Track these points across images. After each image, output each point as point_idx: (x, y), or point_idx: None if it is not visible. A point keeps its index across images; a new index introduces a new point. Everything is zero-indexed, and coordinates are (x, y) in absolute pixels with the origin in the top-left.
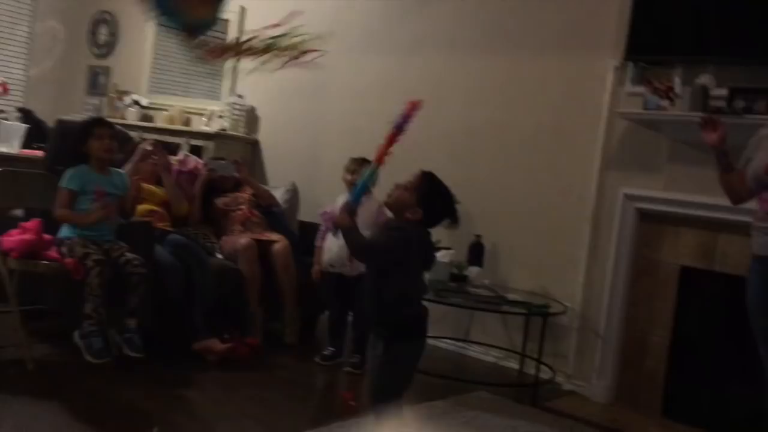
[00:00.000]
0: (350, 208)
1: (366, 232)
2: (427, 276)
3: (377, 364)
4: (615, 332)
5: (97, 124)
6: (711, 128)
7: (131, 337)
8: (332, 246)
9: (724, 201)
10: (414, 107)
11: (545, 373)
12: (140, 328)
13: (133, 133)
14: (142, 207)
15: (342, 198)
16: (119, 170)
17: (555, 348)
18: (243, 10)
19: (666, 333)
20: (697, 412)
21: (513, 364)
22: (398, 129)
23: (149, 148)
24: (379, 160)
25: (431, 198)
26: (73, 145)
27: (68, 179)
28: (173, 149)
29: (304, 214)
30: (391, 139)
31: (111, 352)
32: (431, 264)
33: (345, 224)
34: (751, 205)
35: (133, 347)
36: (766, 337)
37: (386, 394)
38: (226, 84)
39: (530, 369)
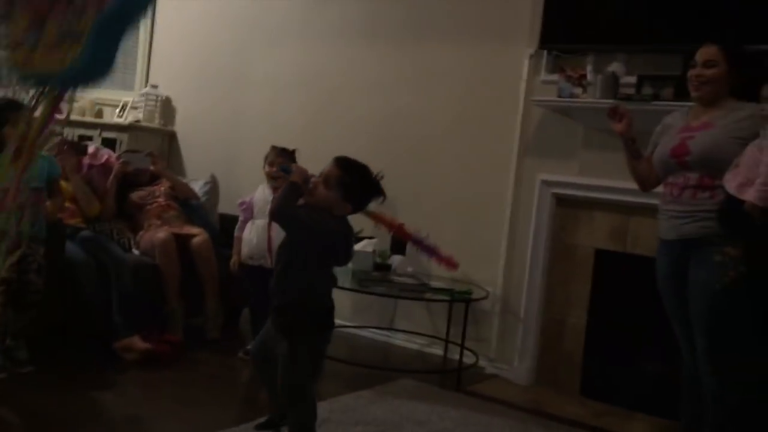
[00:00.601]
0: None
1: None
2: (349, 266)
3: (283, 359)
4: (535, 315)
5: (10, 107)
6: (617, 117)
7: (14, 354)
8: (252, 237)
9: (634, 185)
10: (450, 264)
11: (469, 358)
12: (23, 343)
13: None
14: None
15: (262, 188)
16: (41, 154)
17: (478, 333)
18: None
19: (583, 314)
20: (613, 390)
21: (437, 351)
22: (418, 245)
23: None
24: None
25: (354, 186)
26: None
27: None
28: (82, 148)
29: (224, 206)
30: (395, 230)
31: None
32: (346, 261)
33: (293, 178)
34: (662, 188)
35: (19, 363)
36: (675, 317)
37: (297, 391)
38: (139, 74)
39: (454, 355)
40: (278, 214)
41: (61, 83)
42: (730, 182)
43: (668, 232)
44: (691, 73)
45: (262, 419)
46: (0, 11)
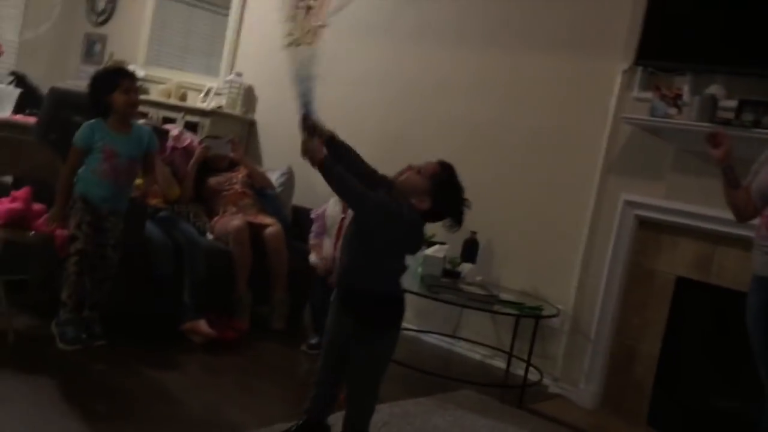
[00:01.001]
0: (309, 127)
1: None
2: (419, 270)
3: (355, 359)
4: (605, 338)
5: (123, 74)
6: (717, 143)
7: (90, 326)
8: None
9: (724, 213)
10: None
11: (533, 375)
12: (99, 317)
13: None
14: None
15: (334, 201)
16: (144, 126)
17: (543, 349)
18: None
19: (657, 342)
20: (682, 423)
21: (499, 363)
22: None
23: None
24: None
25: (445, 191)
26: (95, 96)
27: (78, 136)
28: (164, 133)
29: (299, 199)
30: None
31: (83, 338)
32: (415, 251)
33: (316, 158)
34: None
35: (93, 336)
36: (762, 356)
37: (374, 387)
38: (225, 61)
39: (517, 369)
40: (356, 202)
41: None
42: None
43: (763, 267)
44: None
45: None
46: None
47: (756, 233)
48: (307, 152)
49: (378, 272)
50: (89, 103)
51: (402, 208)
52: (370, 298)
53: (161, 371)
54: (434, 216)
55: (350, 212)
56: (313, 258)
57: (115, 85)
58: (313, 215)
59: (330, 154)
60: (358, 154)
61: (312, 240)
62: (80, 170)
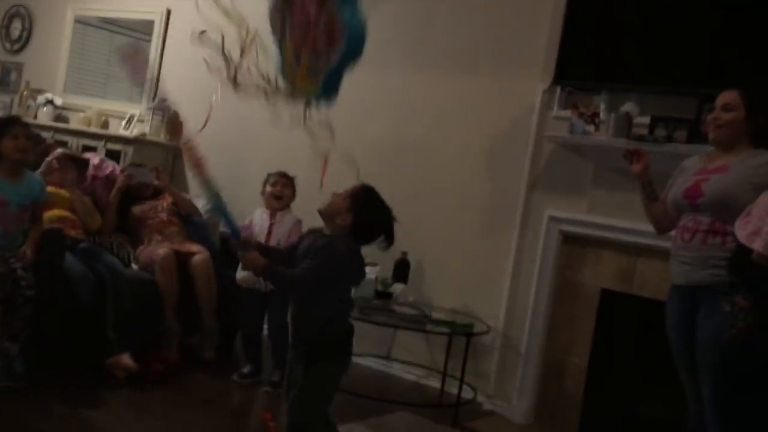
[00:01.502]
0: (241, 246)
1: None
2: (353, 291)
3: (296, 388)
4: (536, 353)
5: (10, 122)
6: (635, 159)
7: (10, 363)
8: None
9: (644, 226)
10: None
11: (467, 393)
12: (22, 353)
13: (46, 134)
14: (53, 213)
15: (260, 211)
16: (36, 176)
17: (477, 367)
18: (168, 12)
19: (585, 354)
20: (612, 431)
21: (434, 383)
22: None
23: (54, 164)
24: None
25: (365, 207)
26: None
27: None
28: (84, 162)
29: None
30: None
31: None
32: (360, 279)
33: (259, 267)
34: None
35: (15, 376)
36: (682, 364)
37: (305, 420)
38: (147, 87)
39: (452, 388)
40: (301, 293)
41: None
42: (741, 230)
43: (678, 277)
44: (710, 116)
45: None
46: (277, 36)
47: (672, 244)
48: (248, 266)
49: (320, 317)
50: None
51: (332, 246)
52: (311, 341)
53: (84, 409)
54: (363, 233)
55: (279, 217)
56: (239, 273)
57: (2, 133)
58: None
59: (264, 255)
60: (281, 249)
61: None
62: None
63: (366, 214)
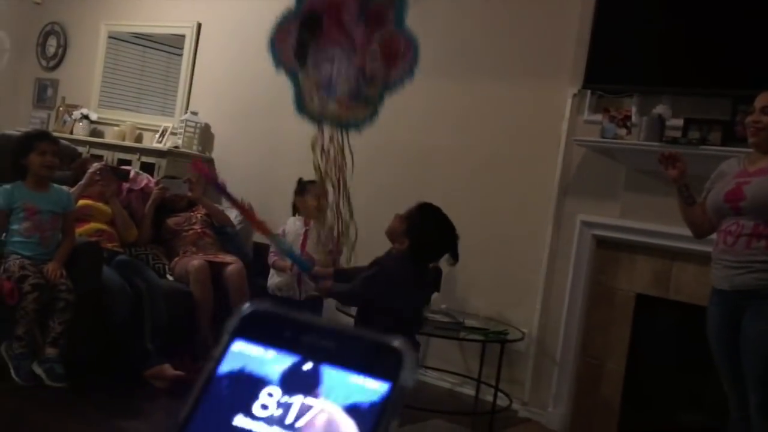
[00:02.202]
0: (312, 276)
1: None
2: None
3: None
4: (571, 359)
5: (39, 137)
6: (671, 163)
7: (51, 366)
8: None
9: (679, 229)
10: (198, 167)
11: (501, 400)
12: (62, 357)
13: (81, 149)
14: (90, 226)
15: (293, 220)
16: (62, 188)
17: (511, 374)
18: (199, 26)
19: (621, 360)
20: None
21: (469, 391)
22: (221, 191)
23: (97, 174)
24: (263, 230)
25: (421, 228)
26: (13, 157)
27: None
28: (124, 174)
29: (260, 236)
30: (245, 212)
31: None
32: (422, 297)
33: (331, 291)
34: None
35: (54, 377)
36: (724, 369)
37: None
38: (179, 100)
39: (486, 396)
40: (352, 304)
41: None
42: None
43: (722, 282)
44: (749, 119)
45: None
46: (291, 69)
47: (714, 248)
48: (322, 294)
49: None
50: (9, 166)
51: (380, 265)
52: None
53: (123, 420)
54: (424, 254)
55: (313, 226)
56: (271, 281)
57: (30, 148)
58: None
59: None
60: (356, 268)
61: (271, 258)
62: (4, 235)
63: (423, 235)
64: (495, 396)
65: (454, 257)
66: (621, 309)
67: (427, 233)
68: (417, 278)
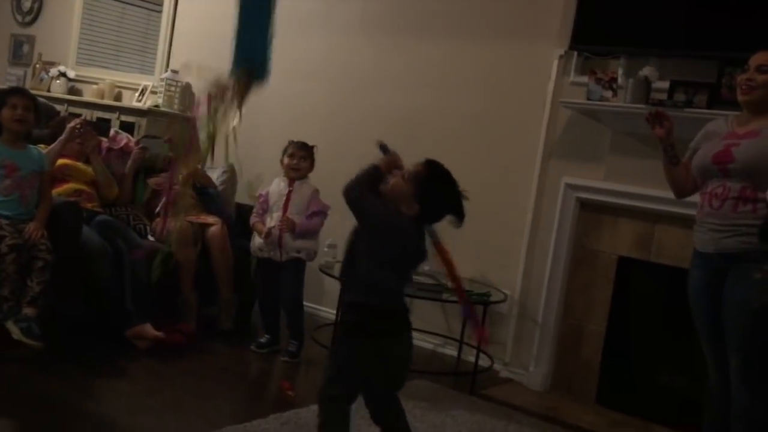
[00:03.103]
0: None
1: (298, 216)
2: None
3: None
4: (553, 320)
5: (11, 92)
6: (658, 122)
7: (29, 325)
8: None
9: (662, 192)
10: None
11: (483, 361)
12: (40, 316)
13: (59, 107)
14: (69, 186)
15: (278, 181)
16: (36, 147)
17: (493, 335)
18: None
19: (602, 322)
20: (630, 400)
21: (451, 351)
22: (464, 312)
23: (77, 129)
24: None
25: (432, 191)
26: None
27: None
28: (104, 129)
29: (242, 196)
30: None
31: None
32: (421, 261)
33: (379, 163)
34: (690, 197)
35: (32, 335)
36: (704, 330)
37: (324, 389)
38: (159, 58)
39: (469, 356)
40: (347, 193)
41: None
42: None
43: (706, 244)
44: (742, 77)
45: None
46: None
47: (698, 211)
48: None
49: (364, 282)
50: None
51: (401, 218)
52: (353, 309)
53: (104, 379)
54: (430, 216)
55: (296, 186)
56: (254, 242)
57: (2, 103)
58: (257, 194)
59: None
60: None
61: (252, 219)
62: None
63: (434, 199)
64: (477, 357)
65: (461, 219)
66: (603, 271)
67: (440, 197)
68: (420, 241)
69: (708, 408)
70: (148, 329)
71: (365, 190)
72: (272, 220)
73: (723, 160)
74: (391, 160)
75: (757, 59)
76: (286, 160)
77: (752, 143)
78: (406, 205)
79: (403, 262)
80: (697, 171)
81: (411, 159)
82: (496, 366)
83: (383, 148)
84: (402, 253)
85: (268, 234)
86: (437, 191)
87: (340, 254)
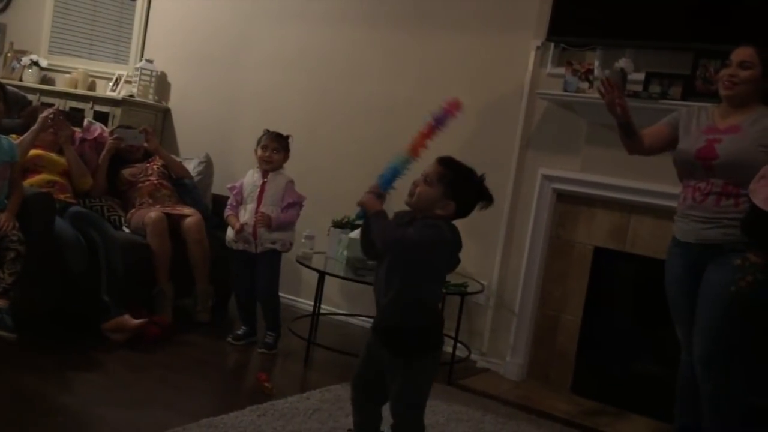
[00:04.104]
0: (379, 192)
1: (273, 207)
2: (344, 253)
3: (399, 382)
4: (529, 311)
5: None
6: (610, 91)
7: (1, 317)
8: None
9: (638, 184)
10: (455, 106)
11: (461, 351)
12: (12, 308)
13: (31, 96)
14: (42, 177)
15: (251, 172)
16: (7, 137)
17: (471, 326)
18: None
19: (578, 312)
20: (605, 389)
21: None
22: (437, 123)
23: (50, 119)
24: (414, 152)
25: (460, 185)
26: None
27: None
28: (78, 119)
29: (218, 188)
30: (428, 133)
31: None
32: (457, 264)
33: (374, 208)
34: (663, 187)
35: (4, 327)
36: (679, 318)
37: (416, 414)
38: (134, 47)
39: (446, 347)
40: (395, 251)
41: None
42: (758, 194)
43: (687, 234)
44: (724, 72)
45: None
46: None
47: (681, 203)
48: (365, 203)
49: (417, 304)
50: None
51: (441, 228)
52: (409, 332)
53: (80, 372)
54: (465, 210)
55: (270, 177)
56: (229, 233)
57: None
58: (228, 186)
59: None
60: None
61: (226, 212)
62: None
63: (465, 192)
64: (454, 347)
65: (491, 201)
66: (579, 261)
67: (468, 189)
68: (459, 239)
69: (680, 395)
70: (128, 320)
71: (399, 229)
72: (246, 213)
73: (706, 156)
74: (370, 201)
75: (739, 54)
76: (259, 152)
77: (733, 139)
78: (440, 207)
79: (448, 269)
80: (679, 165)
81: (389, 148)
82: (474, 356)
83: (361, 216)
84: (449, 262)
85: (241, 230)
86: (466, 184)
87: (317, 245)
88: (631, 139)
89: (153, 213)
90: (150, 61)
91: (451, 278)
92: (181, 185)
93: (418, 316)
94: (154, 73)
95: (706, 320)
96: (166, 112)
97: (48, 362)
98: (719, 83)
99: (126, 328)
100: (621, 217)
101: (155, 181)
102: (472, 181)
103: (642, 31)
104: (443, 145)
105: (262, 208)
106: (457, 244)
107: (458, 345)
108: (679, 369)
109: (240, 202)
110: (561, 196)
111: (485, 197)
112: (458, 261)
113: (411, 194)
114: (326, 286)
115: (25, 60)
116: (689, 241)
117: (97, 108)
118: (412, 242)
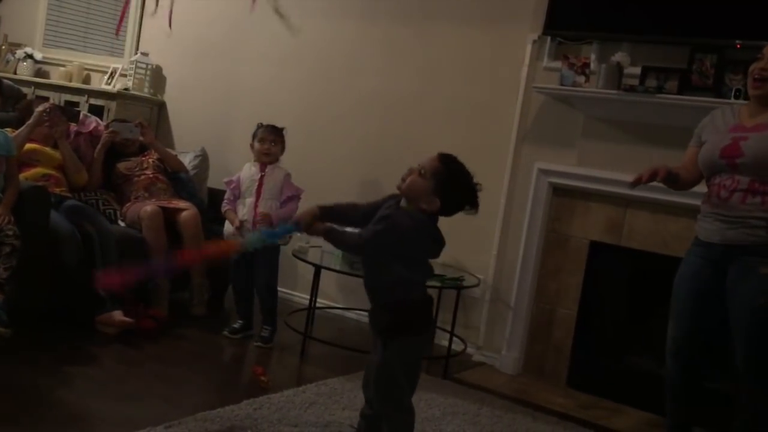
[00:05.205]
0: (306, 231)
1: (271, 201)
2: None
3: (376, 363)
4: (525, 304)
5: None
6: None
7: None
8: (239, 216)
9: (633, 177)
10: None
11: (457, 345)
12: (7, 303)
13: (26, 89)
14: (37, 171)
15: (248, 165)
16: (2, 131)
17: (466, 320)
18: None
19: (573, 305)
20: (600, 382)
21: None
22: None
23: (45, 114)
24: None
25: (451, 186)
26: None
27: None
28: (74, 114)
29: (214, 181)
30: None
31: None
32: (439, 249)
33: (319, 231)
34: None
35: (0, 323)
36: (682, 314)
37: (394, 398)
38: (129, 40)
39: (442, 341)
40: (357, 251)
41: None
42: None
43: (711, 234)
44: (755, 66)
45: None
46: None
47: (705, 201)
48: (313, 234)
49: (392, 283)
50: None
51: (401, 218)
52: (387, 309)
53: (74, 366)
54: (449, 210)
55: (268, 170)
56: (227, 228)
57: None
58: (225, 181)
59: (327, 214)
60: (347, 205)
61: (224, 206)
62: None
63: (454, 193)
64: (450, 341)
65: (476, 208)
66: (574, 255)
67: (458, 190)
68: (436, 234)
69: (670, 397)
70: (118, 315)
71: (352, 235)
72: (245, 207)
73: (731, 154)
74: (305, 215)
75: None
76: (256, 145)
77: (761, 137)
78: (425, 201)
79: (428, 256)
80: (703, 165)
81: (386, 142)
82: (469, 350)
83: (290, 230)
84: (425, 250)
85: (240, 227)
86: (457, 185)
87: (314, 239)
88: (678, 184)
89: (148, 207)
90: (145, 54)
91: (448, 272)
92: (177, 179)
93: (391, 295)
94: (149, 67)
95: (740, 331)
96: (162, 106)
97: (43, 356)
98: (748, 79)
99: (116, 323)
100: (617, 212)
101: (151, 175)
102: (464, 185)
103: (638, 25)
104: (440, 137)
105: (261, 202)
106: (422, 232)
107: (454, 339)
108: (666, 378)
109: (238, 197)
110: (557, 190)
111: (472, 204)
112: (438, 246)
113: (403, 179)
114: (322, 280)
115: (20, 53)
116: (713, 241)
117: (92, 101)
118: (372, 240)
